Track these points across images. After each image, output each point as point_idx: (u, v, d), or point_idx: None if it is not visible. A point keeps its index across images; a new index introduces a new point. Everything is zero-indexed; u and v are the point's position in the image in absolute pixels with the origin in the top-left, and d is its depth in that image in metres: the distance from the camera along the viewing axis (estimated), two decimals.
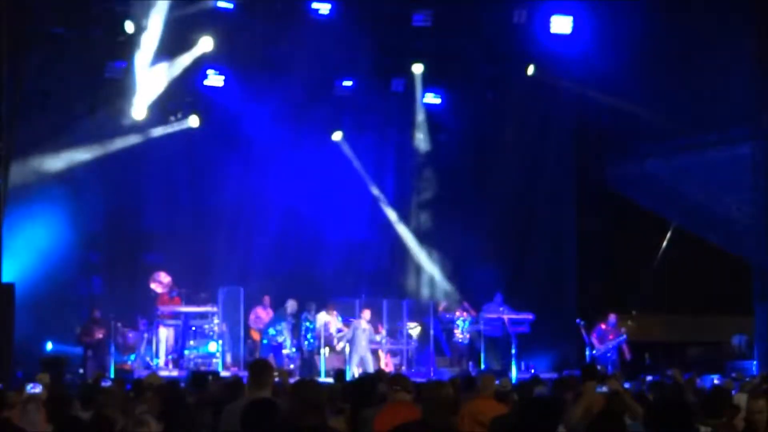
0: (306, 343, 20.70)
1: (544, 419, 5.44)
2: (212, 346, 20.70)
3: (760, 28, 20.97)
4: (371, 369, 19.89)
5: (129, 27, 20.47)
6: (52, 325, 20.34)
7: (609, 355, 21.31)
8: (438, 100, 24.08)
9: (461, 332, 21.67)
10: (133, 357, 20.63)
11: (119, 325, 20.29)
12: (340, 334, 21.31)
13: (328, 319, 21.05)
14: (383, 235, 24.66)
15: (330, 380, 15.74)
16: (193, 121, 22.67)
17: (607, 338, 21.33)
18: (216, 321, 20.68)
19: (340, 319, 21.55)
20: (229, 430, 7.20)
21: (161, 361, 20.31)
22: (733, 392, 11.24)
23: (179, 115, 22.63)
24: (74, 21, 20.38)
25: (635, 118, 23.17)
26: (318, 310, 21.03)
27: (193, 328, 20.93)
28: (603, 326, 21.43)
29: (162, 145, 22.66)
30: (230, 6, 21.11)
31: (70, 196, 21.88)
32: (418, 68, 23.14)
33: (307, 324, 20.73)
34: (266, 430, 6.03)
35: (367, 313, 21.08)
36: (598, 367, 19.59)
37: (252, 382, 7.65)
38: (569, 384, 10.98)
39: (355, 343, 20.68)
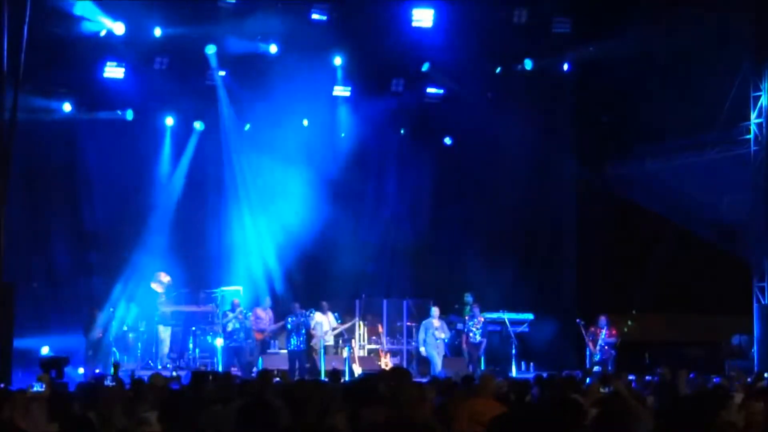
0: (298, 342, 20.52)
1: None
2: (219, 341, 20.63)
3: (760, 28, 20.97)
4: (439, 367, 20.03)
5: (119, 28, 20.47)
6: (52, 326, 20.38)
7: (612, 353, 21.29)
8: (440, 93, 24.04)
9: (474, 334, 21.45)
10: (132, 357, 20.63)
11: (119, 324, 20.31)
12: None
13: (322, 319, 20.97)
14: (384, 234, 24.67)
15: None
16: (197, 125, 22.74)
17: (598, 339, 21.33)
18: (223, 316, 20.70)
19: (336, 319, 21.50)
20: (223, 430, 7.21)
21: (161, 361, 20.31)
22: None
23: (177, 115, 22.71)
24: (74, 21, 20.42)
25: (635, 118, 23.16)
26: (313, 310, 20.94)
27: (193, 328, 20.98)
28: (593, 329, 21.44)
29: (162, 145, 22.73)
30: (230, 5, 21.11)
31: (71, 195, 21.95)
32: (423, 68, 23.15)
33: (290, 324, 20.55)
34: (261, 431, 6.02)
35: (436, 311, 21.00)
36: (599, 368, 19.73)
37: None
38: (559, 385, 11.00)
39: (430, 343, 20.68)
